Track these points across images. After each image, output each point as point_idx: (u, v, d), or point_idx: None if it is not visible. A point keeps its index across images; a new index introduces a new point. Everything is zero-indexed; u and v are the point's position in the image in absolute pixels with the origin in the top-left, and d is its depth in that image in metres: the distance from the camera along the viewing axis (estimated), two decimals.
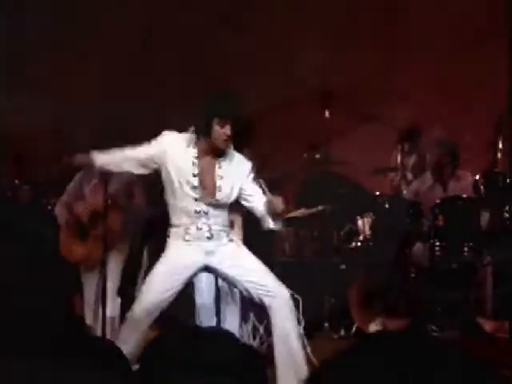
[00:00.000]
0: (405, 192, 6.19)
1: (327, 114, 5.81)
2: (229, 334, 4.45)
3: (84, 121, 4.94)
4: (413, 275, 5.51)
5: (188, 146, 4.30)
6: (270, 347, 4.39)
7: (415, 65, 6.12)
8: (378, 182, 6.51)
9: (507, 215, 5.18)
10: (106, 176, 5.30)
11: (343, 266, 6.02)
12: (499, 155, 5.67)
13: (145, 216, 5.44)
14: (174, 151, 4.27)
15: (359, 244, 6.02)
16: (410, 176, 6.40)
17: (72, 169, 4.69)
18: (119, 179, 5.48)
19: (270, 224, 4.33)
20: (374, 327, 5.70)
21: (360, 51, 6.01)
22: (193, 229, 4.29)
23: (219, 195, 4.31)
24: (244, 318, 5.27)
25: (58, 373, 3.08)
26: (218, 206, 4.34)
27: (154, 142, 4.29)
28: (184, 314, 5.08)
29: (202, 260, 4.31)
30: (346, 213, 6.11)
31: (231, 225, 5.05)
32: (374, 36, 6.05)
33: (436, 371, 3.38)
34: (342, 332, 5.71)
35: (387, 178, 6.53)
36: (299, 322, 4.53)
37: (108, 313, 5.10)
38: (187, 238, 4.30)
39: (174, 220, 4.37)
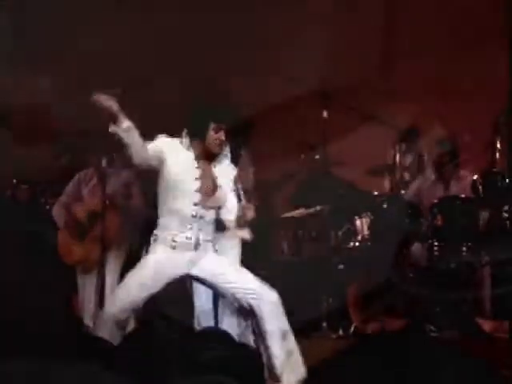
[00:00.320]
0: (403, 192, 6.19)
1: (325, 114, 5.82)
2: (226, 334, 4.46)
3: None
4: (411, 275, 5.51)
5: (187, 149, 4.31)
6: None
7: (415, 65, 6.13)
8: (376, 182, 6.51)
9: (506, 215, 5.19)
10: (104, 177, 5.31)
11: (341, 266, 6.02)
12: (497, 155, 5.67)
13: (143, 216, 5.44)
14: (172, 153, 4.27)
15: (357, 244, 6.02)
16: (407, 176, 6.40)
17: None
18: (117, 180, 5.49)
19: (245, 235, 4.39)
20: (372, 327, 5.70)
21: (360, 51, 6.01)
22: (181, 237, 4.30)
23: (217, 199, 4.33)
24: (242, 319, 5.28)
25: (57, 371, 3.08)
26: (213, 211, 4.35)
27: (153, 143, 4.28)
28: (183, 315, 5.08)
29: (184, 269, 4.32)
30: (344, 213, 6.11)
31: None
32: (373, 36, 6.06)
33: (434, 371, 3.39)
34: (341, 332, 5.71)
35: (385, 178, 6.53)
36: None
37: None
38: (173, 245, 4.30)
39: (163, 224, 4.36)
